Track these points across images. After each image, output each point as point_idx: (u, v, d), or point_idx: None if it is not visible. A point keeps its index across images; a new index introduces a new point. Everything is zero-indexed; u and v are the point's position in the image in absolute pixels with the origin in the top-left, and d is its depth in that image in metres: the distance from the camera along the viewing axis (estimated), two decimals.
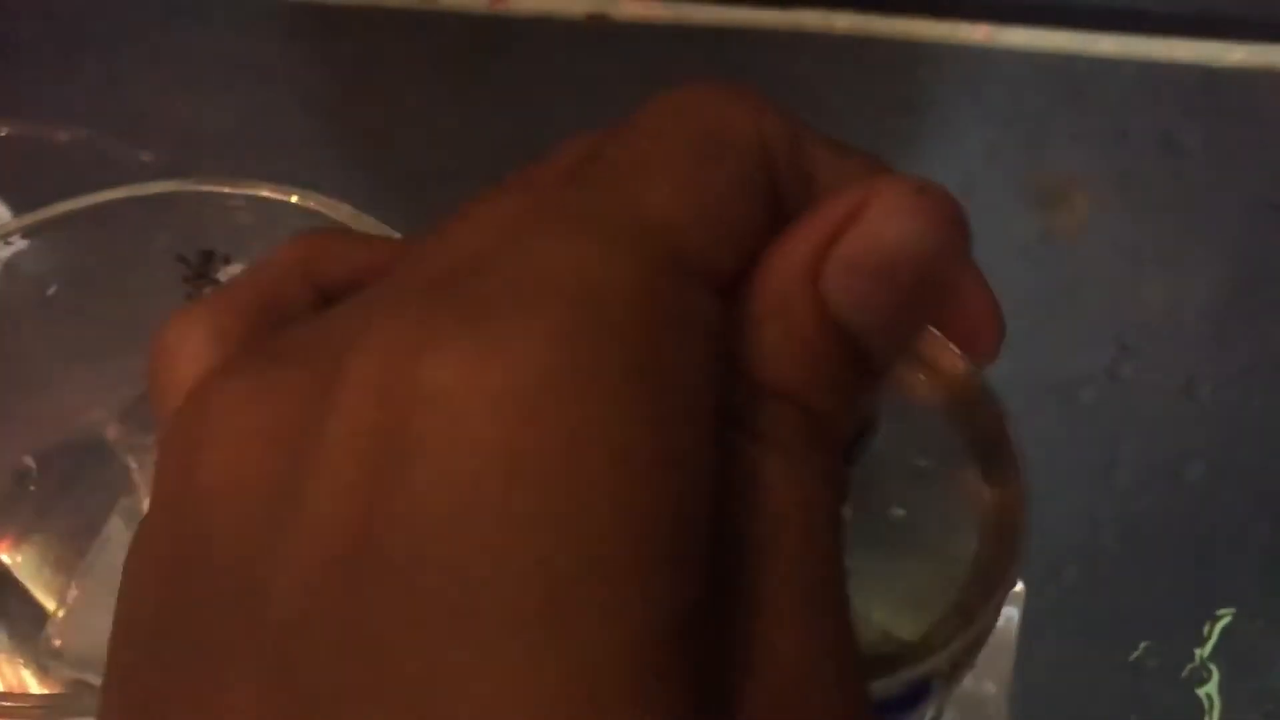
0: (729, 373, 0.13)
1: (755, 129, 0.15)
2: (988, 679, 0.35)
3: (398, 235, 0.25)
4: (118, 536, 0.28)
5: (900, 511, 0.18)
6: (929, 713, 0.19)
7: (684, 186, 0.14)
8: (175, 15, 0.59)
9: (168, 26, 0.58)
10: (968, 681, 0.35)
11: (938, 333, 0.18)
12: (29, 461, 0.29)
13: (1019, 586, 0.35)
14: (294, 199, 0.27)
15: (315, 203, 0.27)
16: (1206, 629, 0.39)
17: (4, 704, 0.22)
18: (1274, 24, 0.58)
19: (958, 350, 0.18)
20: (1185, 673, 0.39)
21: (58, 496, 0.29)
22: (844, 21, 0.59)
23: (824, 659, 0.12)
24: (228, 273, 0.29)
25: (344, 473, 0.12)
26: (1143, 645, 0.39)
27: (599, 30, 0.58)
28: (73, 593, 0.27)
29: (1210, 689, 0.38)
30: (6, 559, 0.28)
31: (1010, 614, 0.35)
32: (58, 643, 0.27)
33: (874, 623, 0.17)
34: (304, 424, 0.12)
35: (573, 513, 0.11)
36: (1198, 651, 0.39)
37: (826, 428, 0.14)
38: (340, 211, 0.27)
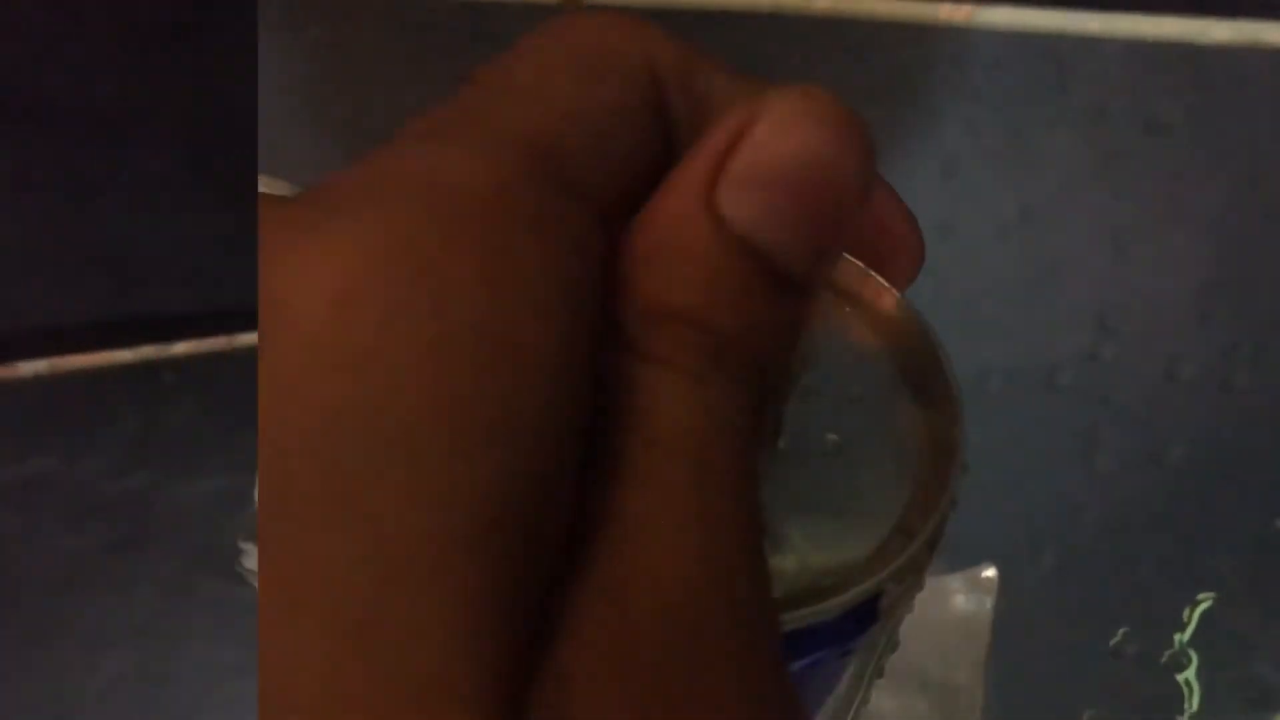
0: (625, 300, 0.13)
1: (641, 54, 0.15)
2: (962, 666, 0.34)
3: None
4: None
5: (835, 438, 0.18)
6: (881, 641, 0.19)
7: (558, 104, 0.14)
8: None
9: None
10: (940, 670, 0.34)
11: (861, 264, 0.18)
12: None
13: (992, 572, 0.35)
14: None
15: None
16: (1186, 614, 0.39)
17: None
18: (1259, 0, 0.57)
19: (884, 281, 0.18)
20: (1165, 659, 0.38)
21: None
22: (823, 2, 0.58)
23: (713, 580, 0.12)
24: None
25: None
26: (1122, 631, 0.38)
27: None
28: None
29: (1190, 675, 0.38)
30: None
31: (984, 601, 0.35)
32: None
33: (816, 549, 0.17)
34: None
35: (382, 397, 0.11)
36: (1177, 637, 0.38)
37: (734, 348, 0.13)
38: (279, 189, 0.27)
